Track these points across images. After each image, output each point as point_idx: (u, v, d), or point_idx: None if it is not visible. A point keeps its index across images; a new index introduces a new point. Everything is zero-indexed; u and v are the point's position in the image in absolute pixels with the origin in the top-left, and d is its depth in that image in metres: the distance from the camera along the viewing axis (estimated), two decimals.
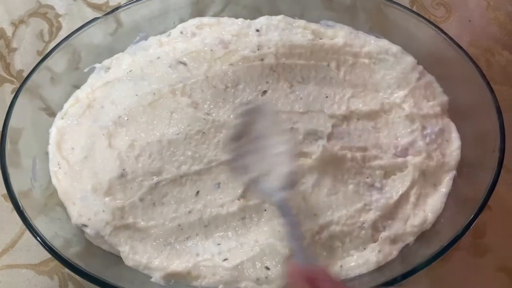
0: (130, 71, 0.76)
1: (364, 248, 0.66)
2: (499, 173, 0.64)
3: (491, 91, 0.69)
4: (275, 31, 0.77)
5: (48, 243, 0.61)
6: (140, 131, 0.70)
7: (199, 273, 0.65)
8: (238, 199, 0.67)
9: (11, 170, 0.65)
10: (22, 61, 0.85)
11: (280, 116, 0.70)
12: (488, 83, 0.69)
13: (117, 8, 0.77)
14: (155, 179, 0.67)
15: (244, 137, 0.63)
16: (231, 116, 0.68)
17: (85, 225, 0.66)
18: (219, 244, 0.67)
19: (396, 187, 0.69)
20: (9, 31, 0.87)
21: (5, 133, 0.67)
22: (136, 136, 0.70)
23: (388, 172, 0.70)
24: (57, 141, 0.72)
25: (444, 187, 0.70)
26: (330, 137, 0.70)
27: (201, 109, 0.71)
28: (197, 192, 0.68)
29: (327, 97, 0.73)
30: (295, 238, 0.57)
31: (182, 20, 0.81)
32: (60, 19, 0.88)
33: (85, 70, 0.77)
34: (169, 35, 0.80)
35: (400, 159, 0.70)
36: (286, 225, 0.58)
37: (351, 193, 0.68)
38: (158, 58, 0.76)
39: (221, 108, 0.71)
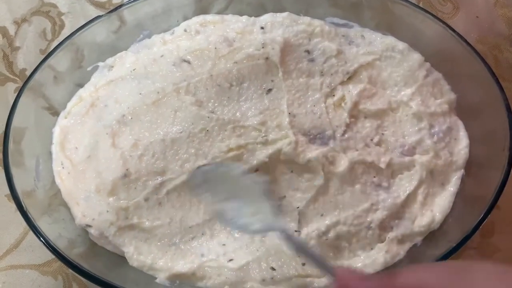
0: (133, 70, 0.75)
1: (371, 248, 0.65)
2: (509, 172, 0.63)
3: (500, 88, 0.68)
4: (280, 28, 0.76)
5: (52, 244, 0.61)
6: (144, 130, 0.70)
7: (204, 274, 0.64)
8: None
9: (14, 170, 0.64)
10: (25, 60, 0.84)
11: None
12: (497, 80, 0.68)
13: (120, 6, 0.76)
14: (160, 179, 0.67)
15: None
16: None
17: (89, 226, 0.66)
18: (224, 244, 0.66)
19: (404, 186, 0.68)
20: (11, 29, 0.87)
21: (8, 133, 0.66)
22: (140, 135, 0.69)
23: (395, 171, 0.69)
24: (61, 141, 0.72)
25: (452, 186, 0.69)
26: (337, 136, 0.69)
27: (205, 107, 0.70)
28: None
29: (334, 95, 0.73)
30: (314, 257, 0.55)
31: (185, 18, 0.80)
32: (63, 17, 0.88)
33: (88, 69, 0.77)
34: (172, 33, 0.79)
35: (407, 158, 0.69)
36: (297, 250, 0.57)
37: (358, 193, 0.67)
38: (162, 56, 0.75)
39: (225, 107, 0.70)
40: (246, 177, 0.64)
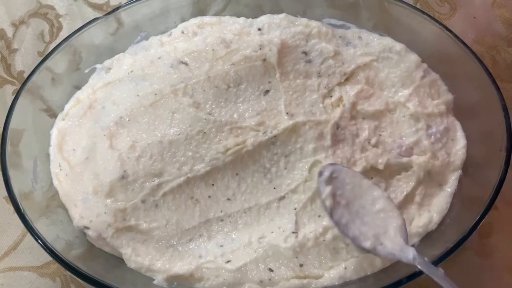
0: (131, 72, 0.75)
1: None
2: (506, 172, 0.63)
3: (497, 89, 0.68)
4: (277, 30, 0.76)
5: (50, 245, 0.61)
6: (141, 132, 0.70)
7: (202, 275, 0.64)
8: (242, 198, 0.67)
9: (12, 172, 0.65)
10: (23, 62, 0.85)
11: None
12: (493, 81, 0.68)
13: (117, 8, 0.76)
14: (157, 180, 0.67)
15: (337, 208, 0.61)
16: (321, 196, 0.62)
17: (87, 227, 0.66)
18: (222, 245, 0.66)
19: (401, 187, 0.68)
20: (9, 32, 0.87)
21: (5, 135, 0.66)
22: (137, 137, 0.69)
23: (393, 172, 0.69)
24: (58, 143, 0.72)
25: (450, 186, 0.69)
26: (335, 138, 0.69)
27: (202, 109, 0.70)
28: (200, 193, 0.68)
29: (332, 96, 0.73)
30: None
31: (183, 20, 0.80)
32: (60, 19, 0.88)
33: (86, 71, 0.77)
34: (170, 34, 0.79)
35: (405, 159, 0.69)
36: (437, 279, 0.55)
37: None
38: (159, 58, 0.75)
39: (223, 108, 0.70)
40: (381, 199, 0.62)
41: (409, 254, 0.57)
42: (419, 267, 0.56)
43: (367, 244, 0.59)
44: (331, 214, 0.61)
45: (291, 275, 0.64)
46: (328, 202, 0.61)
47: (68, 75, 0.75)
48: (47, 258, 0.71)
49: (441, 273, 0.56)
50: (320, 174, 0.62)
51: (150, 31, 0.80)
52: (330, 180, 0.62)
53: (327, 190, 0.61)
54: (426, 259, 0.57)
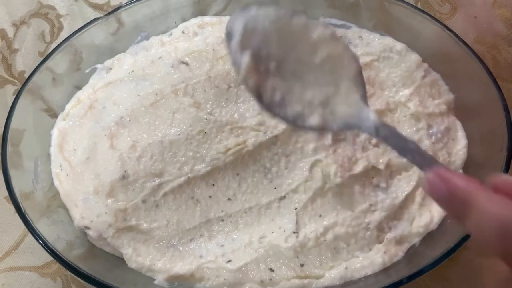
0: (131, 72, 0.75)
1: (370, 249, 0.65)
2: (507, 172, 0.63)
3: (498, 88, 0.68)
4: None
5: (51, 246, 0.61)
6: (142, 132, 0.70)
7: (202, 275, 0.64)
8: (242, 198, 0.67)
9: (12, 172, 0.65)
10: (23, 62, 0.85)
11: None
12: (494, 81, 0.68)
13: (118, 8, 0.76)
14: (157, 180, 0.67)
15: (266, 79, 0.42)
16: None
17: (88, 227, 0.66)
18: (222, 245, 0.66)
19: (402, 187, 0.68)
20: (10, 32, 0.87)
21: (6, 135, 0.66)
22: (138, 137, 0.69)
23: (394, 172, 0.69)
24: (59, 143, 0.72)
25: None
26: (336, 137, 0.69)
27: (203, 109, 0.70)
28: (201, 193, 0.68)
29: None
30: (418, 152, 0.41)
31: (183, 20, 0.80)
32: (61, 19, 0.88)
33: (87, 71, 0.77)
34: (170, 34, 0.79)
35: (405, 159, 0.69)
36: (405, 151, 0.42)
37: (356, 194, 0.67)
38: (160, 58, 0.75)
39: (223, 108, 0.70)
40: (324, 41, 0.42)
41: (368, 118, 0.41)
42: (380, 138, 0.42)
43: (315, 120, 0.43)
44: (259, 96, 0.41)
45: (292, 275, 0.64)
46: (251, 81, 0.41)
47: (68, 75, 0.75)
48: (48, 258, 0.71)
49: (414, 145, 0.41)
50: (229, 36, 0.41)
51: (150, 31, 0.80)
52: (247, 40, 0.40)
53: (245, 59, 0.40)
54: (392, 126, 0.43)
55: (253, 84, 0.41)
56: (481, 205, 0.36)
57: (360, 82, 0.43)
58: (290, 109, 0.42)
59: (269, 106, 0.42)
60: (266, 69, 0.41)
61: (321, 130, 0.43)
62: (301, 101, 0.42)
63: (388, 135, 0.41)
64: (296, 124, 0.42)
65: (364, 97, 0.42)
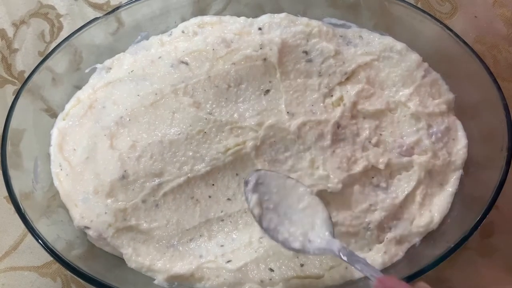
0: (131, 71, 0.75)
1: (370, 249, 0.65)
2: (507, 172, 0.63)
3: (498, 88, 0.68)
4: (278, 29, 0.76)
5: (50, 245, 0.61)
6: (142, 132, 0.70)
7: (202, 275, 0.64)
8: (242, 198, 0.67)
9: (12, 172, 0.65)
10: (23, 62, 0.85)
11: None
12: (495, 80, 0.68)
13: (118, 8, 0.76)
14: (157, 180, 0.67)
15: (266, 214, 0.62)
16: (244, 199, 0.64)
17: (88, 227, 0.66)
18: (222, 245, 0.66)
19: (402, 187, 0.68)
20: (10, 32, 0.87)
21: (6, 135, 0.66)
22: (138, 136, 0.69)
23: (394, 171, 0.69)
24: (59, 142, 0.72)
25: (451, 186, 0.69)
26: (336, 137, 0.69)
27: (203, 108, 0.70)
28: (200, 193, 0.67)
29: (332, 96, 0.73)
30: (370, 269, 0.56)
31: (183, 19, 0.80)
32: (61, 19, 0.88)
33: (86, 71, 0.77)
34: (170, 34, 0.79)
35: (405, 159, 0.69)
36: (359, 266, 0.56)
37: (356, 194, 0.67)
38: (160, 57, 0.75)
39: (223, 108, 0.70)
40: (305, 195, 0.63)
41: (334, 246, 0.58)
42: (344, 258, 0.57)
43: (296, 245, 0.60)
44: (260, 222, 0.61)
45: (292, 275, 0.64)
46: (256, 211, 0.62)
47: (68, 75, 0.75)
48: (48, 258, 0.71)
49: (364, 261, 0.56)
50: (246, 183, 0.63)
51: (150, 30, 0.80)
52: (256, 187, 0.63)
53: (253, 198, 0.62)
54: (350, 249, 0.58)
55: (257, 213, 0.62)
56: None
57: (329, 223, 0.61)
58: (281, 236, 0.61)
59: (266, 230, 0.61)
60: (267, 207, 0.62)
61: (300, 251, 0.60)
62: (288, 232, 0.61)
63: (348, 254, 0.57)
64: (283, 245, 0.61)
65: (332, 233, 0.60)
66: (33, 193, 0.67)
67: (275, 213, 0.62)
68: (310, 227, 0.61)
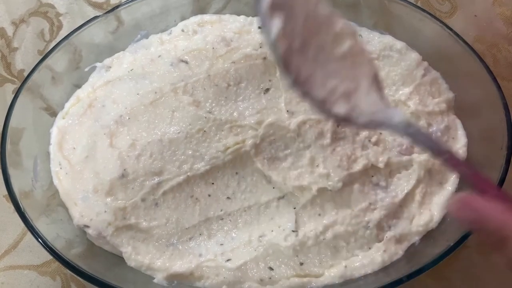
0: (131, 70, 0.75)
1: (369, 248, 0.65)
2: (506, 170, 0.63)
3: (498, 87, 0.68)
4: None
5: (50, 244, 0.61)
6: (141, 130, 0.70)
7: (202, 274, 0.64)
8: (242, 197, 0.67)
9: (12, 171, 0.64)
10: (23, 60, 0.85)
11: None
12: (494, 79, 0.68)
13: (117, 6, 0.76)
14: (157, 179, 0.67)
15: (290, 55, 0.39)
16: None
17: (87, 226, 0.66)
18: (222, 244, 0.66)
19: (402, 185, 0.68)
20: (9, 30, 0.87)
21: (5, 133, 0.66)
22: (137, 135, 0.69)
23: (393, 170, 0.69)
24: (59, 141, 0.72)
25: (450, 185, 0.69)
26: (335, 136, 0.69)
27: (202, 107, 0.70)
28: (200, 191, 0.67)
29: None
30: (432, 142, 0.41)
31: (183, 18, 0.80)
32: (60, 18, 0.88)
33: (86, 69, 0.77)
34: (170, 33, 0.79)
35: (405, 157, 0.69)
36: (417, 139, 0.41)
37: (356, 192, 0.67)
38: (159, 56, 0.75)
39: (223, 106, 0.70)
40: (347, 36, 0.41)
41: (396, 116, 0.40)
42: (407, 137, 0.41)
43: (341, 109, 0.40)
44: (286, 66, 0.39)
45: (292, 273, 0.64)
46: (281, 45, 0.37)
47: (68, 74, 0.75)
48: (47, 256, 0.71)
49: (446, 148, 0.41)
50: (258, 2, 0.38)
51: (150, 29, 0.80)
52: (276, 8, 0.38)
53: (275, 24, 0.37)
54: (418, 126, 0.41)
55: (283, 52, 0.38)
56: None
57: (379, 84, 0.41)
58: (317, 91, 0.39)
59: (295, 81, 0.39)
60: (290, 45, 0.38)
61: (345, 121, 0.41)
62: (324, 88, 0.40)
63: (415, 133, 0.40)
64: (323, 107, 0.39)
65: (384, 98, 0.41)
66: (33, 192, 0.66)
67: (302, 56, 0.39)
68: (354, 85, 0.41)
